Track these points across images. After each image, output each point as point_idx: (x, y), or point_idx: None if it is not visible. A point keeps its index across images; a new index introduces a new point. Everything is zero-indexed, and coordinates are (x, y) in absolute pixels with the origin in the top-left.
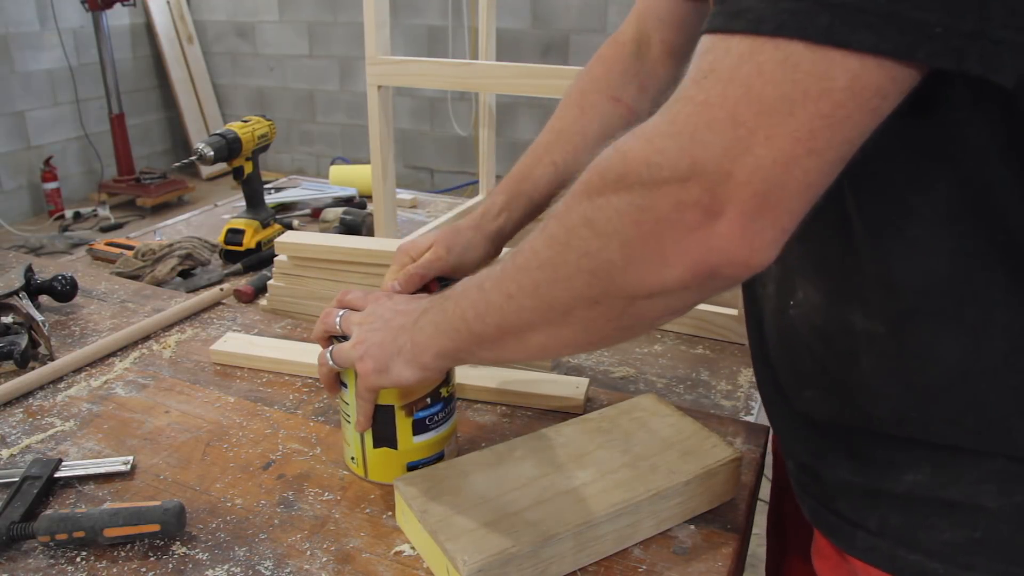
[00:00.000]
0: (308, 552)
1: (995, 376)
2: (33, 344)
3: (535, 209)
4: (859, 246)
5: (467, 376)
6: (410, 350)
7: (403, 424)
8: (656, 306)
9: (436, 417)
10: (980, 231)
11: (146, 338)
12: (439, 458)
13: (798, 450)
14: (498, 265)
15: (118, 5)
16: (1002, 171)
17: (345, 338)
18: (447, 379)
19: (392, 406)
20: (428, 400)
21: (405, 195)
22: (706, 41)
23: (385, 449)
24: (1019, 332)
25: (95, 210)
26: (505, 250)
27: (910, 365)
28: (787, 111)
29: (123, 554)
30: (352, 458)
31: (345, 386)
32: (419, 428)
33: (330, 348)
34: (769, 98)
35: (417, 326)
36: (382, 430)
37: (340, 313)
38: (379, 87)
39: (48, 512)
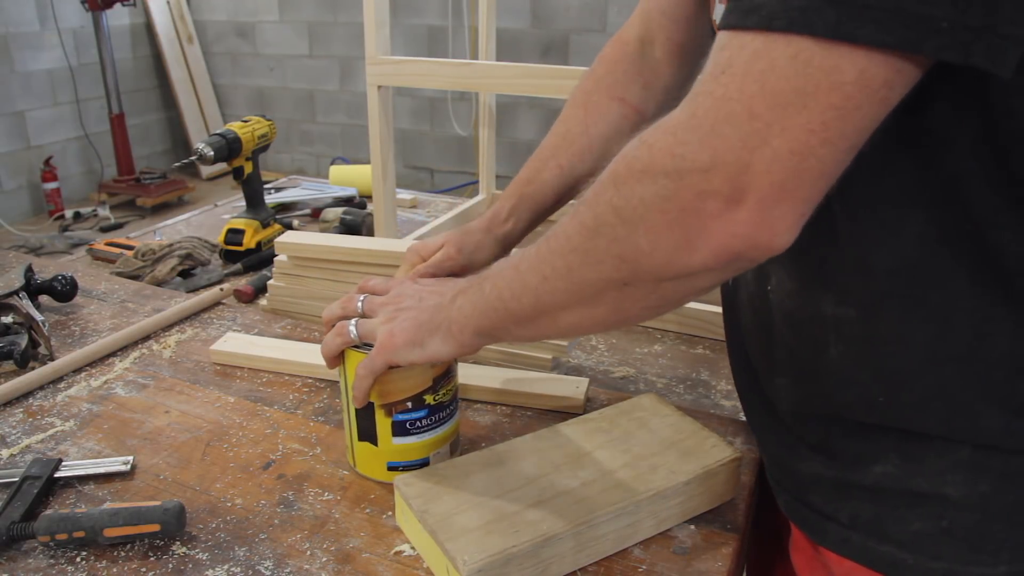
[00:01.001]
0: (308, 552)
1: (960, 362)
2: (33, 344)
3: (542, 212)
4: (836, 229)
5: (467, 376)
6: (448, 328)
7: (383, 423)
8: (682, 287)
9: (419, 423)
10: (946, 219)
11: (146, 338)
12: (424, 463)
13: (771, 444)
14: (533, 248)
15: (118, 5)
16: (971, 163)
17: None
18: (434, 386)
19: (372, 403)
20: (409, 404)
21: (405, 195)
22: (722, 37)
23: (368, 444)
24: (983, 319)
25: (95, 210)
26: (515, 251)
27: (879, 350)
28: (801, 104)
29: (123, 554)
30: (347, 446)
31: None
32: (399, 430)
33: (354, 320)
34: (783, 92)
35: (455, 305)
36: (365, 425)
37: (362, 297)
38: (379, 87)
39: (48, 512)
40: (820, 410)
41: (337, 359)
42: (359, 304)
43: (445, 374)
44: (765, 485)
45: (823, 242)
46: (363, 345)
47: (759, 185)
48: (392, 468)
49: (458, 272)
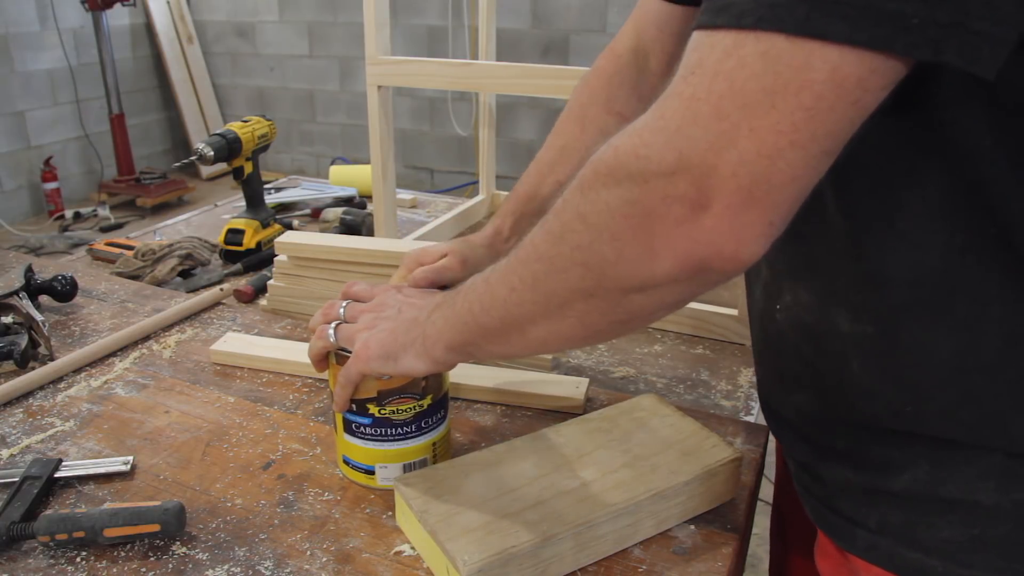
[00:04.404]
0: (308, 552)
1: (990, 370)
2: (33, 344)
3: None
4: (844, 246)
5: (467, 376)
6: (422, 343)
7: (337, 414)
8: (649, 300)
9: (363, 429)
10: (972, 226)
11: (146, 338)
12: (370, 472)
13: (798, 450)
14: (503, 260)
15: (118, 5)
16: (993, 169)
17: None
18: (378, 399)
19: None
20: (354, 407)
21: (405, 195)
22: (694, 38)
23: (332, 430)
24: (1014, 326)
25: (95, 210)
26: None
27: (903, 362)
28: (769, 103)
29: (123, 554)
30: None
31: None
32: (346, 427)
33: (334, 324)
34: (751, 91)
35: (429, 320)
36: (331, 411)
37: (344, 303)
38: (379, 87)
39: (48, 512)
40: (846, 418)
41: (323, 362)
42: (341, 310)
43: (397, 391)
44: (778, 489)
45: (833, 259)
46: (342, 349)
47: (726, 189)
48: (345, 462)
49: (458, 284)
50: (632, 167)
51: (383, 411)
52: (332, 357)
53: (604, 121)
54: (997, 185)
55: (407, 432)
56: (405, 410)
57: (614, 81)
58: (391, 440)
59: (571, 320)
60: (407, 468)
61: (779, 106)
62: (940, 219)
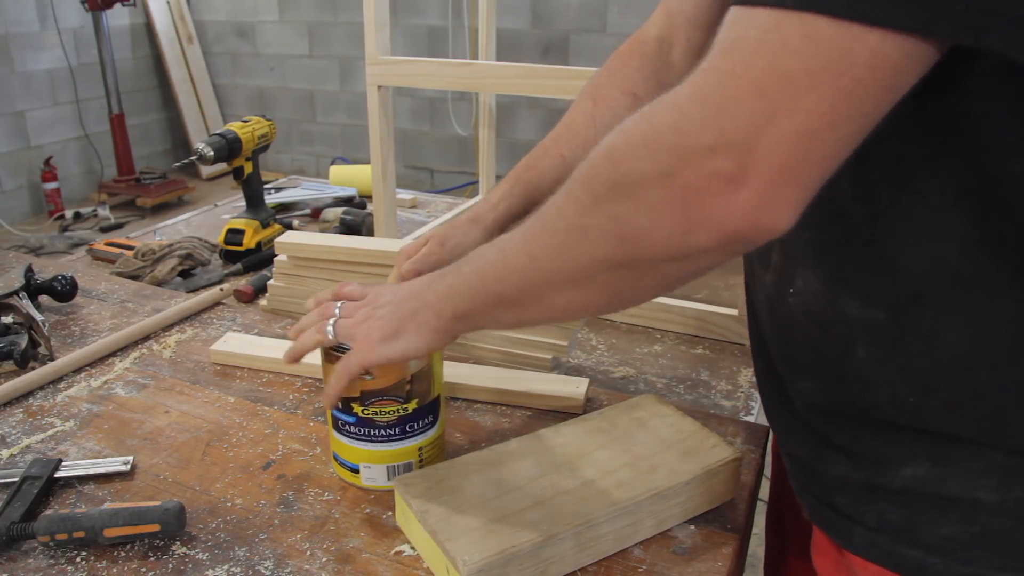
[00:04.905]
0: (308, 552)
1: (996, 367)
2: (33, 344)
3: (538, 199)
4: (860, 231)
5: (466, 376)
6: (423, 313)
7: (328, 411)
8: (680, 268)
9: (348, 427)
10: (989, 222)
11: (146, 338)
12: (356, 470)
13: (796, 446)
14: (519, 229)
15: (118, 5)
16: (1015, 165)
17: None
18: (361, 399)
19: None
20: (340, 404)
21: (405, 195)
22: (732, 13)
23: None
24: (1021, 324)
25: (95, 210)
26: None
27: (910, 351)
28: (810, 85)
29: (123, 554)
30: None
31: None
32: (335, 423)
33: (332, 320)
34: (793, 72)
35: (430, 290)
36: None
37: (339, 304)
38: (379, 87)
39: (48, 512)
40: (849, 411)
41: (300, 358)
42: (336, 310)
43: (380, 392)
44: (775, 487)
45: (845, 244)
46: (337, 348)
47: (764, 167)
48: (336, 459)
49: (443, 266)
50: (671, 141)
51: (366, 411)
52: (323, 355)
53: (617, 100)
54: (1018, 183)
55: (390, 435)
56: (388, 412)
57: (632, 64)
58: (375, 441)
59: (596, 288)
60: (391, 470)
61: (819, 88)
62: (957, 212)
